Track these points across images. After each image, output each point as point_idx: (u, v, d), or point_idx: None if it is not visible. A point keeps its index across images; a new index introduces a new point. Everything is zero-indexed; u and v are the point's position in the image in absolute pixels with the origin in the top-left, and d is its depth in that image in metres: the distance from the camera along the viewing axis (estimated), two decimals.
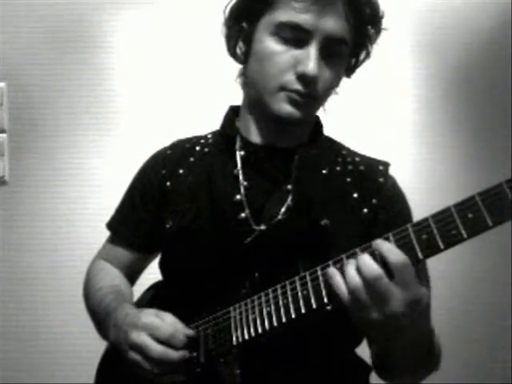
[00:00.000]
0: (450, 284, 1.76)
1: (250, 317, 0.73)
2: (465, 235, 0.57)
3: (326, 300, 0.65)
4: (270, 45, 0.79)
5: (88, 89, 1.81)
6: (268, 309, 0.71)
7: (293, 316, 0.68)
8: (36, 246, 1.79)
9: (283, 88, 0.79)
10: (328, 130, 0.94)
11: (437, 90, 1.85)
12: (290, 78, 0.78)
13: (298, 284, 0.69)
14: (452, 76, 1.85)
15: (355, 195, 0.86)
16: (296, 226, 0.81)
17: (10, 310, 1.79)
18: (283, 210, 0.82)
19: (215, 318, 0.78)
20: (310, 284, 0.67)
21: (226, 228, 0.84)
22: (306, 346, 0.79)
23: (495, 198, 0.55)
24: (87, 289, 0.99)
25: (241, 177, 0.85)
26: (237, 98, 0.94)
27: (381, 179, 0.88)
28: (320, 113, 0.90)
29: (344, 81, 0.89)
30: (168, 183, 0.92)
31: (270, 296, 0.72)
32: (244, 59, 0.87)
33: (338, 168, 0.89)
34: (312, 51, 0.76)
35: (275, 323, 0.70)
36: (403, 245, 0.60)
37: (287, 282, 0.70)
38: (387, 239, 0.61)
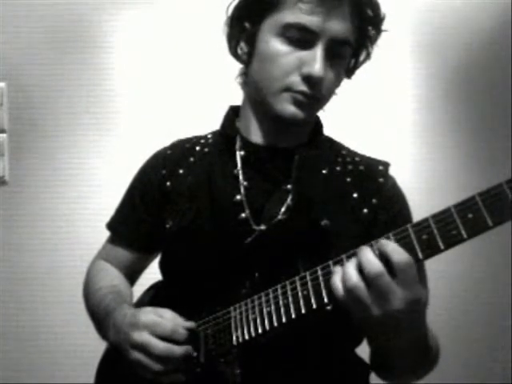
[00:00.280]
0: (449, 284, 1.76)
1: (250, 317, 0.73)
2: (465, 235, 0.57)
3: (326, 300, 0.65)
4: (276, 46, 0.79)
5: (88, 89, 1.81)
6: (268, 309, 0.71)
7: (293, 316, 0.68)
8: (36, 245, 1.79)
9: (288, 89, 0.79)
10: (328, 130, 0.94)
11: (437, 90, 1.85)
12: (295, 79, 0.78)
13: (298, 284, 0.69)
14: (452, 76, 1.85)
15: (355, 195, 0.86)
16: (296, 226, 0.81)
17: (10, 309, 1.79)
18: (283, 210, 0.82)
19: (215, 318, 0.78)
20: (310, 284, 0.67)
21: (226, 228, 0.84)
22: (306, 346, 0.79)
23: (495, 198, 0.55)
24: (87, 289, 0.99)
25: (241, 177, 0.85)
26: (237, 97, 0.94)
27: (381, 179, 0.88)
28: (320, 113, 0.90)
29: (344, 81, 0.89)
30: (168, 183, 0.92)
31: (270, 296, 0.72)
32: (246, 59, 0.86)
33: (338, 168, 0.89)
34: (318, 53, 0.76)
35: (275, 323, 0.70)
36: (403, 245, 0.60)
37: (287, 282, 0.70)
38: (387, 239, 0.61)
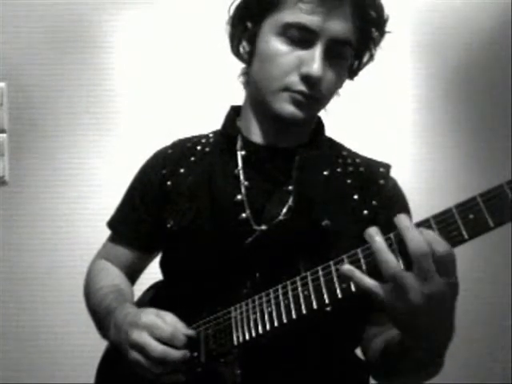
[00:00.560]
0: None
1: (251, 317, 0.73)
2: (466, 236, 0.57)
3: (327, 300, 0.65)
4: (275, 45, 0.79)
5: (88, 89, 1.81)
6: (269, 309, 0.71)
7: (293, 316, 0.68)
8: (36, 245, 1.79)
9: (287, 89, 0.79)
10: (328, 131, 0.94)
11: (437, 90, 1.85)
12: (294, 79, 0.78)
13: (298, 284, 0.69)
14: (452, 76, 1.85)
15: (356, 196, 0.86)
16: (297, 226, 0.81)
17: (10, 309, 1.79)
18: (284, 210, 0.82)
19: (216, 318, 0.78)
20: (310, 284, 0.67)
21: (227, 228, 0.84)
22: (306, 347, 0.79)
23: (496, 199, 0.55)
24: (88, 288, 0.99)
25: (241, 177, 0.85)
26: (237, 97, 0.94)
27: (381, 181, 0.88)
28: (321, 113, 0.90)
29: (345, 81, 0.89)
30: (168, 183, 0.92)
31: (271, 296, 0.72)
32: (248, 59, 0.87)
33: (339, 169, 0.89)
34: (317, 52, 0.76)
35: (276, 323, 0.70)
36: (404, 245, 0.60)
37: (288, 283, 0.70)
38: (388, 239, 0.61)
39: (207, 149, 0.93)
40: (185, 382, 0.77)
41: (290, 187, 0.83)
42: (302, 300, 0.68)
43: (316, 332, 0.76)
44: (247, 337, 0.73)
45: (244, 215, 0.83)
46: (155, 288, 1.01)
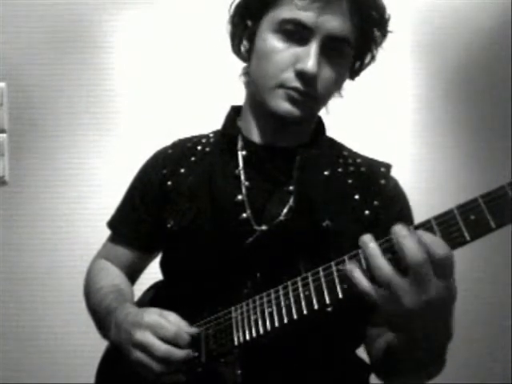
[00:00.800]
0: None
1: (252, 317, 0.73)
2: (468, 237, 0.56)
3: (327, 301, 0.65)
4: (272, 42, 0.79)
5: (88, 89, 1.81)
6: (269, 309, 0.71)
7: (294, 317, 0.68)
8: (36, 245, 1.79)
9: (282, 85, 0.78)
10: (328, 131, 0.94)
11: (437, 90, 1.85)
12: (289, 76, 0.78)
13: (299, 285, 0.69)
14: (452, 76, 1.85)
15: (357, 197, 0.85)
16: (297, 226, 0.81)
17: (10, 309, 1.78)
18: (285, 210, 0.82)
19: (216, 318, 0.78)
20: (311, 285, 0.67)
21: (227, 228, 0.84)
22: (306, 347, 0.79)
23: (498, 200, 0.55)
24: (88, 288, 0.99)
25: (242, 177, 0.85)
26: (238, 97, 0.94)
27: (382, 181, 0.88)
28: (322, 114, 0.90)
29: (345, 81, 0.89)
30: (169, 182, 0.92)
31: (272, 296, 0.72)
32: (247, 57, 0.87)
33: (340, 169, 0.88)
34: (312, 49, 0.76)
35: (276, 324, 0.70)
36: None
37: (289, 283, 0.70)
38: (388, 241, 0.61)
39: (207, 149, 0.93)
40: (185, 382, 0.77)
41: (291, 187, 0.83)
42: (302, 300, 0.67)
43: (317, 332, 0.76)
44: (248, 337, 0.73)
45: (244, 215, 0.83)
46: (155, 288, 1.01)
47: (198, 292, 0.82)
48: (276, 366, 0.78)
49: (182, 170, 0.92)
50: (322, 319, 0.69)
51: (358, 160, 0.91)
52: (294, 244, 0.79)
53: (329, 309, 0.68)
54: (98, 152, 1.81)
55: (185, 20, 1.81)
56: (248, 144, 0.88)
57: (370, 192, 0.86)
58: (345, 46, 0.79)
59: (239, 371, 0.75)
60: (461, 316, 1.93)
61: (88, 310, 0.97)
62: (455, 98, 1.85)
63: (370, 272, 0.60)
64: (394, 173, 0.92)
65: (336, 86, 0.84)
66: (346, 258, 0.65)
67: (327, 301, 0.65)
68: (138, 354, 0.74)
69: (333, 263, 0.66)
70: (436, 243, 0.56)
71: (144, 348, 0.74)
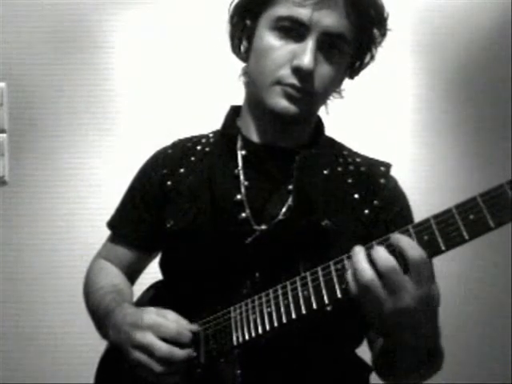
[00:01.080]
0: (450, 284, 1.76)
1: (251, 317, 0.73)
2: (466, 237, 0.57)
3: (326, 300, 0.65)
4: (269, 40, 0.79)
5: (88, 89, 1.80)
6: (268, 309, 0.71)
7: (293, 316, 0.68)
8: (36, 245, 1.79)
9: (279, 82, 0.79)
10: (328, 131, 0.94)
11: (437, 90, 1.85)
12: (286, 72, 0.78)
13: (298, 284, 0.69)
14: (452, 76, 1.85)
15: (356, 196, 0.85)
16: (297, 226, 0.81)
17: (10, 309, 1.78)
18: (284, 210, 0.82)
19: (216, 318, 0.78)
20: (310, 284, 0.67)
21: (227, 228, 0.84)
22: (306, 347, 0.79)
23: (497, 199, 0.54)
24: (87, 288, 1.00)
25: (242, 176, 0.85)
26: (238, 97, 0.94)
27: (382, 180, 0.88)
28: (322, 114, 0.90)
29: (345, 81, 0.89)
30: (169, 182, 0.92)
31: (271, 296, 0.72)
32: (246, 56, 0.87)
33: (339, 169, 0.88)
34: (308, 45, 0.76)
35: (275, 324, 0.70)
36: None
37: (288, 283, 0.70)
38: (387, 240, 0.61)
39: (207, 149, 0.93)
40: (185, 383, 0.76)
41: (290, 187, 0.83)
42: (301, 300, 0.68)
43: (316, 332, 0.76)
44: (247, 337, 0.73)
45: (244, 215, 0.83)
46: (155, 288, 1.00)
47: (197, 292, 0.82)
48: (275, 366, 0.78)
49: (182, 170, 0.92)
50: (321, 319, 0.69)
51: (358, 159, 0.91)
52: (294, 243, 0.79)
53: (328, 308, 0.68)
54: (98, 152, 1.81)
55: (185, 20, 1.81)
56: (247, 144, 0.88)
57: (370, 191, 0.86)
58: (342, 43, 0.79)
59: (239, 371, 0.75)
60: (461, 316, 1.94)
61: (87, 310, 0.97)
62: (455, 98, 1.85)
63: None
64: (393, 172, 0.92)
65: (333, 84, 0.84)
66: (344, 257, 0.65)
67: (326, 300, 0.65)
68: (138, 355, 0.74)
69: (331, 263, 0.66)
70: (411, 247, 0.58)
71: (145, 349, 0.74)
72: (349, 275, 0.62)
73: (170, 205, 0.90)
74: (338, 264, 0.65)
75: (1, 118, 1.77)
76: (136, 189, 0.99)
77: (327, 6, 0.75)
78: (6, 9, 1.78)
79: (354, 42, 0.81)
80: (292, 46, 0.77)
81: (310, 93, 0.79)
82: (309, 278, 0.68)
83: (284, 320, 0.69)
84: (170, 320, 0.75)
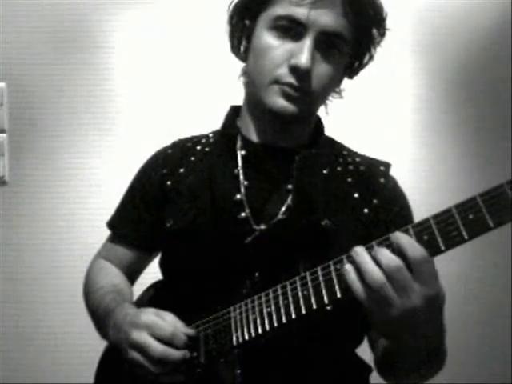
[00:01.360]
0: (450, 284, 1.75)
1: (251, 317, 0.73)
2: (466, 236, 0.56)
3: (326, 300, 0.65)
4: (267, 39, 0.79)
5: (88, 89, 1.81)
6: (268, 309, 0.71)
7: (293, 316, 0.68)
8: (36, 245, 1.79)
9: (277, 81, 0.79)
10: (328, 130, 0.94)
11: (437, 90, 1.85)
12: (284, 71, 0.78)
13: (298, 284, 0.69)
14: (452, 76, 1.85)
15: (356, 195, 0.85)
16: (296, 225, 0.81)
17: (10, 310, 1.78)
18: (283, 209, 0.82)
19: (215, 318, 0.78)
20: (310, 284, 0.67)
21: (226, 227, 0.84)
22: (306, 347, 0.79)
23: (496, 199, 0.54)
24: (87, 288, 1.00)
25: (241, 176, 0.85)
26: (238, 98, 0.94)
27: (382, 180, 0.88)
28: (322, 114, 0.90)
29: (344, 81, 0.89)
30: (168, 182, 0.92)
31: (271, 296, 0.72)
32: (245, 56, 0.87)
33: (339, 168, 0.88)
34: (306, 44, 0.76)
35: (275, 323, 0.70)
36: None
37: (287, 282, 0.70)
38: (387, 240, 0.61)
39: (207, 149, 0.93)
40: (184, 383, 0.76)
41: (290, 186, 0.83)
42: (301, 300, 0.67)
43: (316, 332, 0.76)
44: (247, 337, 0.73)
45: (243, 214, 0.83)
46: (155, 288, 1.00)
47: (197, 292, 0.82)
48: (275, 366, 0.78)
49: (182, 170, 0.92)
50: (321, 319, 0.69)
51: (358, 159, 0.91)
52: (293, 243, 0.79)
53: (328, 308, 0.68)
54: (98, 152, 1.81)
55: (185, 20, 1.81)
56: (247, 144, 0.88)
57: (370, 191, 0.86)
58: (340, 42, 0.79)
59: (238, 371, 0.75)
60: (461, 316, 1.94)
61: (87, 310, 0.97)
62: (455, 98, 1.85)
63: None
64: (393, 172, 0.92)
65: (332, 83, 0.84)
66: (344, 257, 0.65)
67: (326, 300, 0.65)
68: (135, 355, 0.74)
69: (331, 262, 0.66)
70: (411, 245, 0.58)
71: (140, 348, 0.74)
72: (352, 277, 0.61)
73: (170, 205, 0.90)
74: (338, 264, 0.65)
75: (1, 118, 1.77)
76: (136, 189, 0.99)
77: (325, 5, 0.75)
78: (5, 9, 1.78)
79: (352, 41, 0.81)
80: (290, 46, 0.78)
81: (308, 92, 0.79)
82: (308, 278, 0.68)
83: (284, 320, 0.69)
84: (167, 321, 0.75)
